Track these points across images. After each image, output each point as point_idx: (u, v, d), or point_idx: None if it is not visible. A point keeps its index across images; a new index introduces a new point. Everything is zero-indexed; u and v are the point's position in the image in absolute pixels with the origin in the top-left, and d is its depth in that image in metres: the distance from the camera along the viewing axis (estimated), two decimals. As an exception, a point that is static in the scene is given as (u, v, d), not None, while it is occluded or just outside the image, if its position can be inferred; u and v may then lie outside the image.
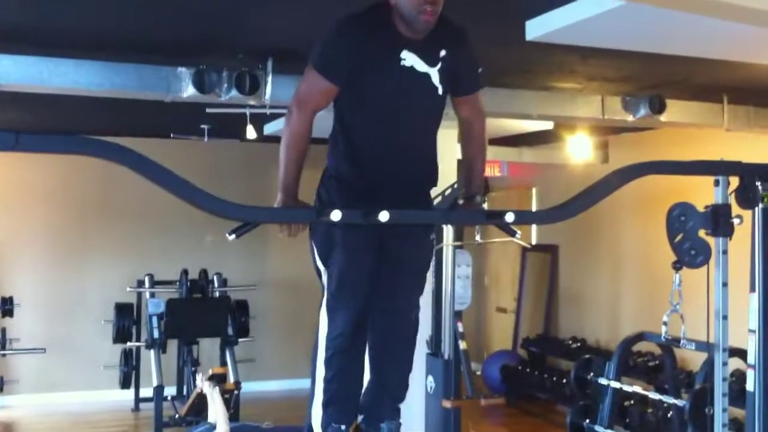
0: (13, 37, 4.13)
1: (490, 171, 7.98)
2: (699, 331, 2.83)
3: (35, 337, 7.90)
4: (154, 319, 6.86)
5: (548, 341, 8.50)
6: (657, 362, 6.49)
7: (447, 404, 5.37)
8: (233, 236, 2.22)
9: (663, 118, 5.63)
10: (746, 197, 2.72)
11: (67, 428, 7.56)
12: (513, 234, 2.48)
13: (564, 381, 7.06)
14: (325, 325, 2.61)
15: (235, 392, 5.78)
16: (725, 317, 2.76)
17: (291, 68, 4.63)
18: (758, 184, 2.69)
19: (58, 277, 8.37)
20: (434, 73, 2.53)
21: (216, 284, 7.59)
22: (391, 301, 2.67)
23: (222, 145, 7.94)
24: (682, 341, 2.87)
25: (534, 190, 9.18)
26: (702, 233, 2.71)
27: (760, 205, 2.70)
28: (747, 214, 2.74)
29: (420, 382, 5.49)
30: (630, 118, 5.68)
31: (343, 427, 2.63)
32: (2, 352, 7.61)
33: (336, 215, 2.22)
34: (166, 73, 4.66)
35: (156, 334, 6.81)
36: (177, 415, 6.15)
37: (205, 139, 7.18)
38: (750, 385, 2.75)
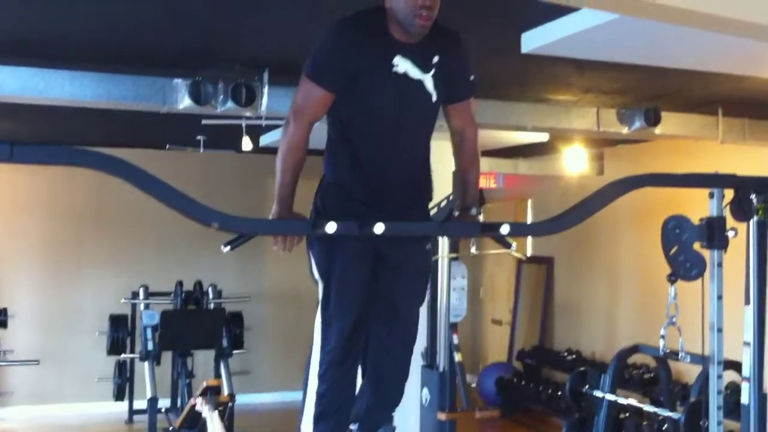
0: (10, 48, 4.13)
1: (486, 182, 7.99)
2: (694, 344, 2.83)
3: (29, 349, 7.87)
4: (149, 331, 6.83)
5: (543, 353, 8.49)
6: (652, 375, 6.49)
7: (442, 416, 5.35)
8: (228, 248, 2.21)
9: (658, 130, 5.64)
10: (741, 210, 2.72)
11: (61, 440, 7.53)
12: (508, 246, 2.48)
13: (559, 393, 7.06)
14: (320, 336, 2.60)
15: (230, 404, 5.75)
16: (720, 330, 2.76)
17: (287, 80, 4.63)
18: (753, 196, 2.70)
19: (53, 288, 8.35)
20: (428, 80, 2.53)
21: (211, 296, 7.57)
22: (391, 309, 2.65)
23: (218, 156, 7.94)
24: (680, 354, 2.86)
25: (529, 202, 9.19)
26: (697, 246, 2.71)
27: (755, 218, 2.71)
28: (742, 226, 2.74)
29: (415, 394, 5.48)
30: (625, 130, 5.70)
31: None
32: (-4, 363, 7.58)
33: (331, 227, 2.22)
34: (162, 85, 4.66)
35: (150, 346, 6.78)
36: (171, 428, 6.12)
37: (201, 151, 7.18)
38: (745, 398, 2.75)
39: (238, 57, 4.38)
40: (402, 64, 2.48)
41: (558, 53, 3.75)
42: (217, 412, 4.86)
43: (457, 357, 5.53)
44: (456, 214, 2.79)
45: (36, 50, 4.19)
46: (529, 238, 8.87)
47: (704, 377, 2.88)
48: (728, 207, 2.74)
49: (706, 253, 2.73)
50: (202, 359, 7.69)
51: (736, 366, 2.89)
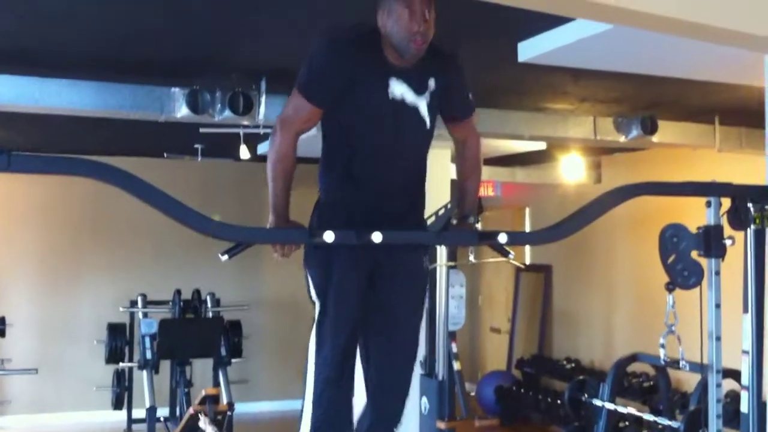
0: (7, 57, 4.13)
1: (484, 191, 8.00)
2: (693, 352, 2.83)
3: (27, 358, 7.85)
4: (147, 340, 6.81)
5: (542, 362, 8.48)
6: (651, 383, 6.48)
7: (441, 425, 5.34)
8: (226, 257, 2.21)
9: (655, 138, 5.66)
10: (738, 218, 2.72)
11: (58, 450, 7.51)
12: (506, 255, 2.48)
13: (558, 402, 7.04)
14: (314, 356, 2.58)
15: (228, 414, 5.74)
16: (718, 338, 2.76)
17: (284, 88, 4.62)
18: (750, 205, 2.70)
19: (51, 297, 8.33)
20: (422, 105, 2.52)
21: (209, 304, 7.55)
22: (390, 318, 2.64)
23: (216, 164, 7.94)
24: (681, 363, 2.86)
25: (527, 210, 9.19)
26: (694, 254, 2.71)
27: (752, 227, 2.71)
28: (739, 235, 2.74)
29: (414, 403, 5.47)
30: (622, 138, 5.71)
31: None
32: (-6, 372, 7.56)
33: (329, 236, 2.22)
34: (159, 94, 4.67)
35: (149, 355, 6.75)
36: (169, 437, 6.11)
37: (199, 159, 7.18)
38: (744, 407, 2.74)
39: (235, 66, 4.39)
40: (397, 88, 2.48)
41: (554, 62, 3.77)
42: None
43: (456, 365, 5.53)
44: (454, 222, 2.80)
45: (33, 59, 4.20)
46: (528, 246, 8.88)
47: (703, 386, 2.88)
48: (725, 216, 2.74)
49: (704, 262, 2.73)
50: (201, 368, 7.66)
51: (735, 374, 2.88)
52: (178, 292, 7.33)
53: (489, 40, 3.79)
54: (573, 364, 7.96)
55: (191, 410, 5.32)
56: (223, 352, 7.15)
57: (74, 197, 8.14)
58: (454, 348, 5.55)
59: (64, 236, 8.35)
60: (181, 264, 8.40)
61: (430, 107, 2.54)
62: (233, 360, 7.33)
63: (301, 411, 2.61)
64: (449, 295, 5.55)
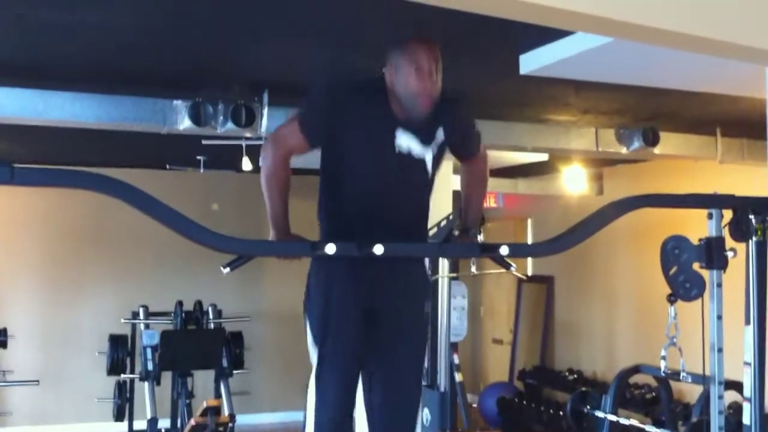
0: (10, 70, 4.15)
1: (486, 202, 7.99)
2: (695, 364, 2.82)
3: (29, 369, 7.84)
4: (149, 351, 6.80)
5: (545, 373, 8.46)
6: (653, 394, 6.46)
7: (443, 437, 5.33)
8: (227, 269, 2.22)
9: (657, 150, 5.66)
10: (740, 230, 2.73)
11: (60, 461, 7.49)
12: (508, 267, 2.48)
13: (561, 413, 7.02)
14: (313, 403, 2.56)
15: (230, 425, 5.73)
16: (720, 350, 2.76)
17: (286, 100, 4.66)
18: (751, 217, 2.70)
19: (52, 308, 8.33)
20: (428, 156, 2.54)
21: (211, 315, 7.55)
22: (391, 361, 2.62)
23: (218, 176, 7.95)
24: (682, 374, 2.86)
25: (529, 221, 9.19)
26: (696, 266, 2.71)
27: (754, 238, 2.71)
28: (741, 246, 2.75)
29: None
30: (624, 150, 5.71)
31: None
32: (-5, 384, 7.55)
33: (330, 248, 2.22)
34: (162, 106, 4.68)
35: (150, 366, 6.74)
36: (170, 448, 6.09)
37: (201, 171, 7.19)
38: (746, 419, 2.74)
39: (238, 78, 4.40)
40: (405, 140, 2.48)
41: (556, 75, 3.78)
42: None
43: (458, 377, 5.53)
44: (456, 233, 2.80)
45: (35, 72, 4.21)
46: (530, 258, 8.87)
47: (705, 397, 2.88)
48: (727, 227, 2.75)
49: (706, 274, 2.73)
50: (202, 379, 7.65)
51: (737, 386, 2.88)
52: (180, 303, 7.33)
53: (491, 53, 3.80)
54: (575, 376, 7.94)
55: (192, 422, 5.32)
56: (225, 363, 7.14)
57: (76, 208, 8.15)
58: (456, 359, 5.56)
59: (65, 247, 8.35)
60: (183, 275, 8.39)
61: (435, 158, 2.56)
62: (235, 371, 7.32)
63: None
64: (451, 306, 5.56)
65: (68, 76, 4.31)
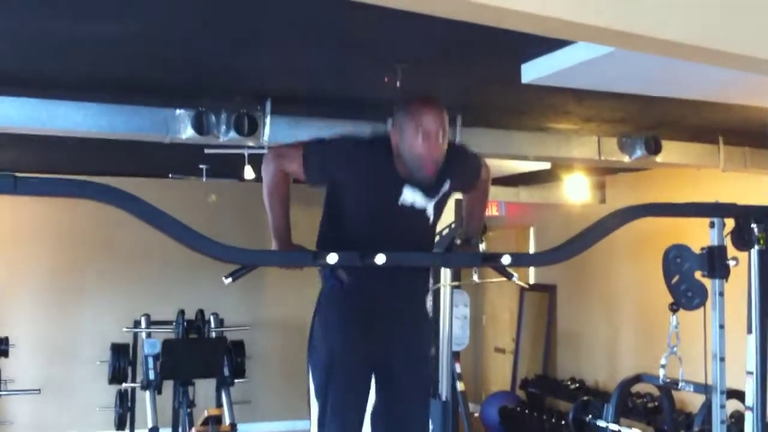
0: (14, 80, 4.16)
1: (488, 211, 7.98)
2: (697, 373, 2.82)
3: (30, 378, 7.83)
4: (150, 360, 6.79)
5: (547, 382, 8.44)
6: (656, 404, 6.45)
7: (445, 446, 5.32)
8: (229, 280, 2.22)
9: (659, 158, 5.66)
10: (742, 239, 2.73)
11: (61, 471, 7.47)
12: (510, 277, 2.49)
13: (563, 423, 7.00)
14: None
15: (231, 434, 5.72)
16: (722, 359, 2.76)
17: (289, 110, 4.67)
18: (754, 225, 2.70)
19: (54, 317, 8.33)
20: (430, 206, 2.57)
21: (212, 324, 7.54)
22: (394, 426, 2.63)
23: (220, 185, 7.96)
24: (680, 383, 2.86)
25: (532, 230, 9.18)
26: (698, 275, 2.72)
27: (756, 247, 2.71)
28: (743, 255, 2.75)
29: (418, 423, 5.44)
30: (626, 158, 5.71)
31: None
32: (-3, 393, 7.54)
33: (332, 258, 2.22)
34: (165, 115, 4.69)
35: (152, 375, 6.73)
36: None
37: (204, 179, 7.20)
38: (748, 428, 2.73)
39: (240, 87, 4.42)
40: (410, 195, 2.51)
41: (557, 84, 3.78)
42: None
43: (460, 386, 5.51)
44: (458, 242, 2.81)
45: (39, 82, 4.22)
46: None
47: (707, 407, 2.88)
48: (729, 236, 2.75)
49: (708, 283, 2.73)
50: (204, 388, 7.64)
51: (739, 395, 2.88)
52: (182, 312, 7.32)
53: (493, 62, 3.81)
54: (577, 385, 7.93)
55: (194, 431, 5.31)
56: (226, 372, 7.13)
57: (77, 217, 8.16)
58: (458, 368, 5.54)
59: (67, 256, 8.35)
60: (185, 284, 8.39)
61: (438, 204, 2.59)
62: (236, 380, 7.31)
63: None
64: (453, 315, 5.55)
65: (72, 86, 4.32)
